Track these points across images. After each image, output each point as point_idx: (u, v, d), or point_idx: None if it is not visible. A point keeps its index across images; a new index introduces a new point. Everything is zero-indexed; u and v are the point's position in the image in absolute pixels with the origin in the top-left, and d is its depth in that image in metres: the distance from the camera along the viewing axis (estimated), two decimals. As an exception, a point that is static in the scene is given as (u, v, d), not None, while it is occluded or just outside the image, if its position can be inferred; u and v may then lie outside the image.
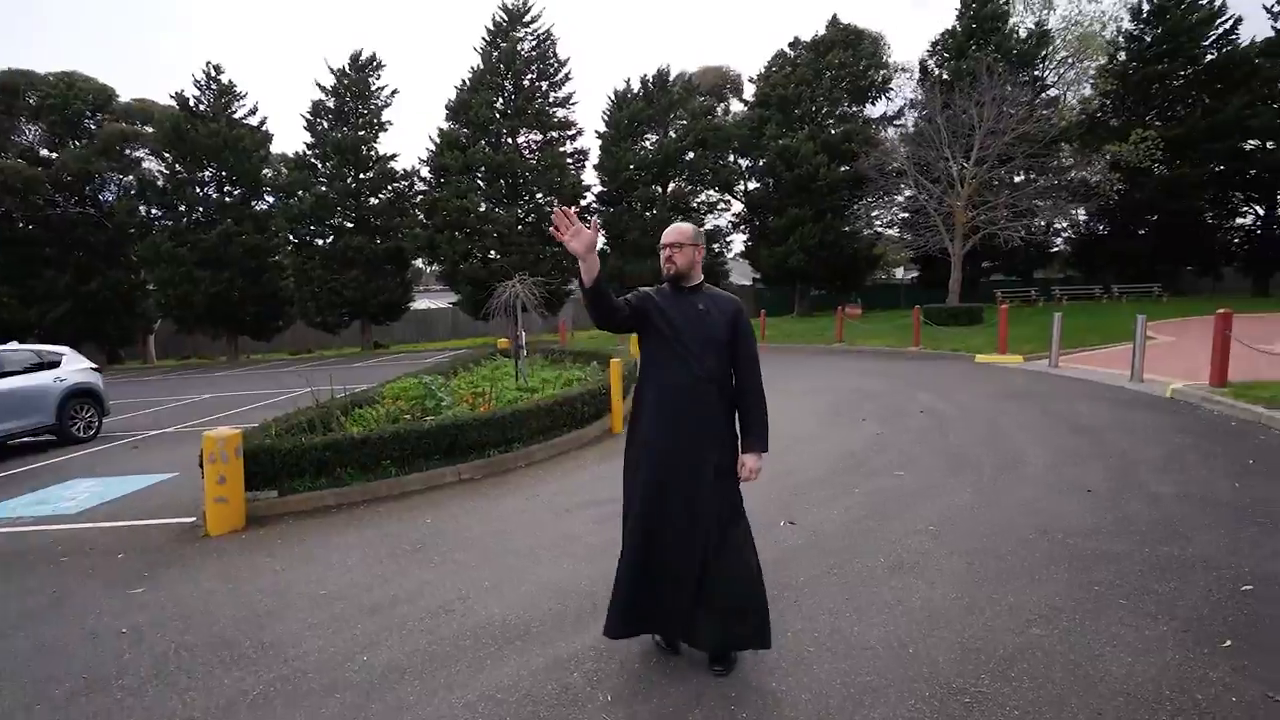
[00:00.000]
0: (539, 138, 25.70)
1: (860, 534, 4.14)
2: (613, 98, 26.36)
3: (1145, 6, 28.40)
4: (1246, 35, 27.59)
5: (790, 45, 28.04)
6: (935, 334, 16.76)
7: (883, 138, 26.49)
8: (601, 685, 2.64)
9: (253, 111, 26.64)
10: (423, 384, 7.87)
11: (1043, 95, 25.68)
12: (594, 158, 26.56)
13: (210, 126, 24.62)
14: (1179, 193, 26.89)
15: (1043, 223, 27.55)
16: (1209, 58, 27.26)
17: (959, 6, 26.83)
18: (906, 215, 28.32)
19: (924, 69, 28.39)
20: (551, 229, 2.46)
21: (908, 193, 26.08)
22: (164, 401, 13.87)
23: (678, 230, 2.69)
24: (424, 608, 3.42)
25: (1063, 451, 5.85)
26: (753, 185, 29.47)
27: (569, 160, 25.81)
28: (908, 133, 25.88)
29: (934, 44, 28.03)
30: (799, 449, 6.48)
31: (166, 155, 25.35)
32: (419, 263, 29.70)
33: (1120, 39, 28.55)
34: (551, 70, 25.45)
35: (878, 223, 30.20)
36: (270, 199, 27.06)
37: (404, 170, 26.11)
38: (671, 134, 26.19)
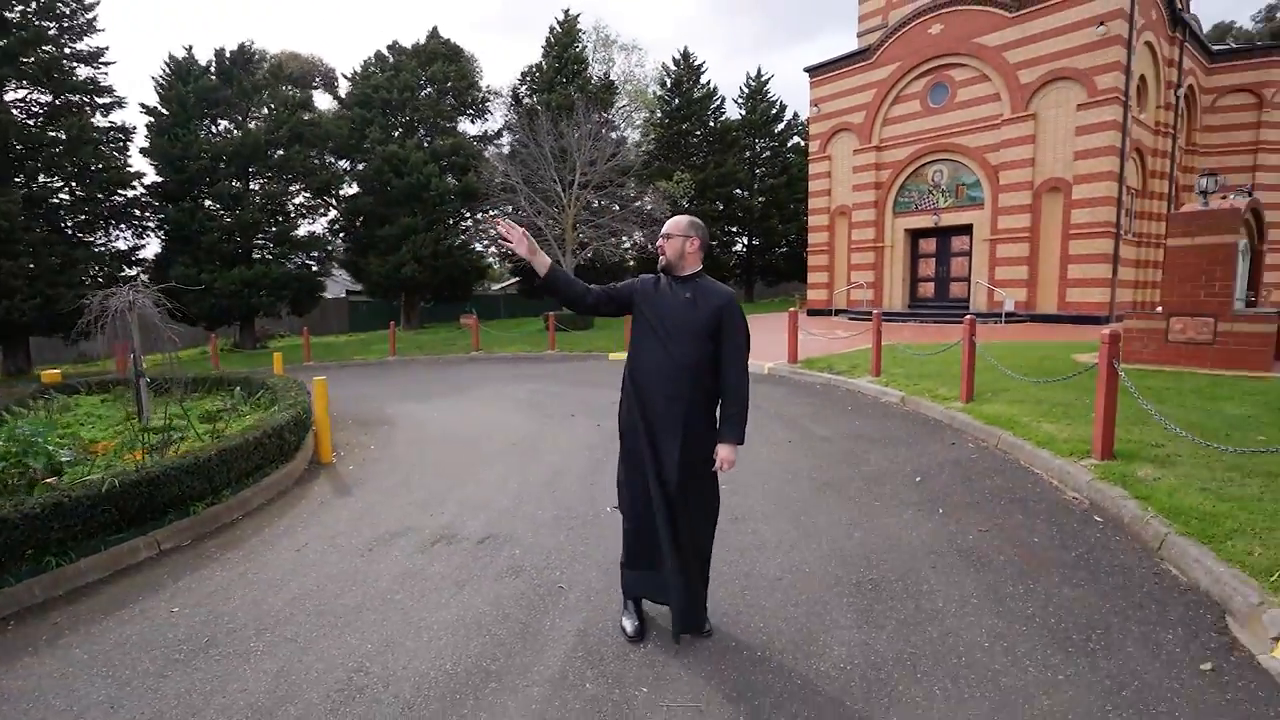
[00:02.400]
0: (49, 99, 18.84)
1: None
2: (170, 65, 21.00)
3: (668, 80, 36.68)
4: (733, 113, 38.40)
5: (389, 48, 27.01)
6: (562, 338, 18.60)
7: (487, 155, 27.79)
8: (625, 679, 2.60)
9: None
10: (11, 436, 5.34)
11: (613, 135, 30.79)
12: (147, 141, 20.78)
13: None
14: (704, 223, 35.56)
15: (618, 241, 32.98)
16: (712, 124, 36.78)
17: (544, 45, 30.03)
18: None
19: (516, 96, 30.83)
20: (503, 242, 2.78)
21: (509, 209, 28.02)
22: None
23: (672, 222, 2.87)
24: (316, 699, 2.64)
25: (747, 417, 7.53)
26: (353, 190, 27.37)
27: (102, 137, 19.62)
28: (504, 154, 27.80)
29: (524, 74, 30.71)
30: (545, 447, 6.72)
31: None
32: None
33: (658, 100, 36.15)
34: (65, 10, 18.86)
35: (486, 237, 31.51)
36: None
37: None
38: (254, 124, 22.37)
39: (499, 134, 30.66)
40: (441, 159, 25.66)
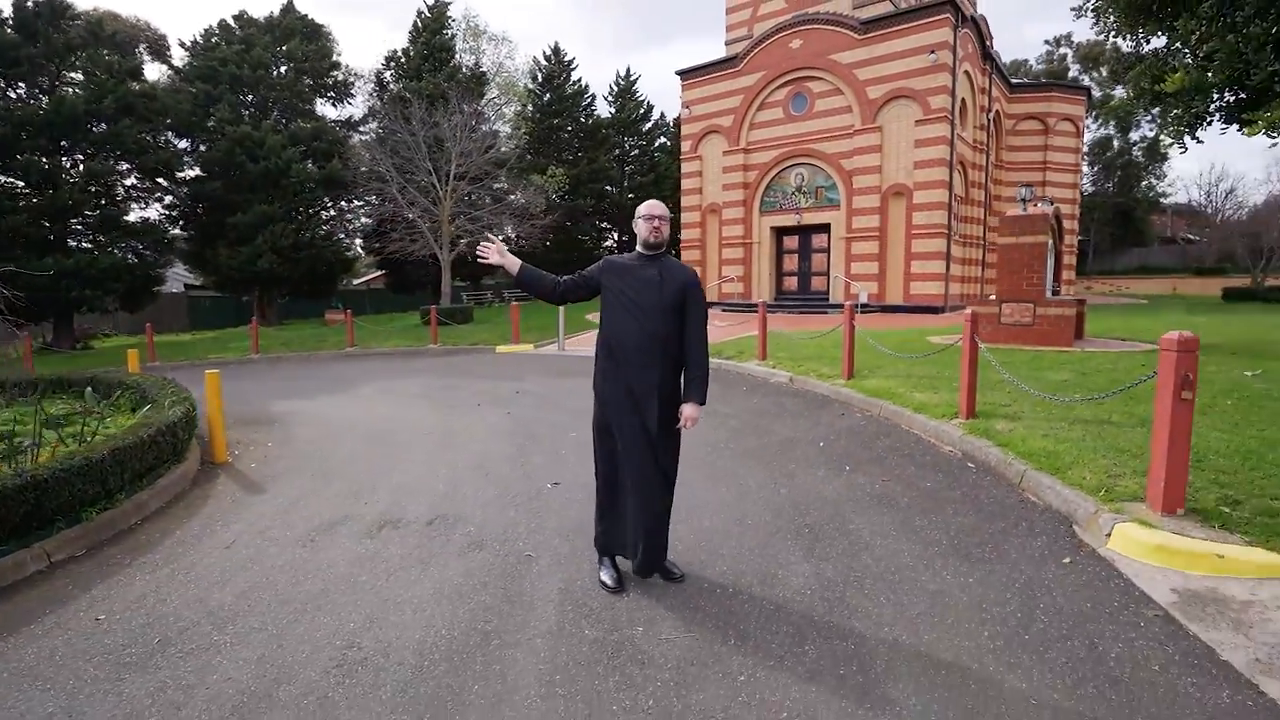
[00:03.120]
0: None
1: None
2: (-51, 15, 17.61)
3: (539, 75, 36.47)
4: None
5: (236, 19, 24.47)
6: (443, 332, 18.08)
7: (353, 143, 26.12)
8: (619, 623, 2.86)
9: None
10: None
11: (484, 127, 30.09)
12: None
13: None
14: (576, 219, 35.88)
15: (493, 235, 32.37)
16: (583, 120, 37.05)
17: (411, 31, 28.68)
18: (369, 222, 28.76)
19: (380, 81, 29.20)
20: (480, 259, 3.19)
21: (378, 200, 26.54)
22: None
23: (657, 205, 3.12)
24: (315, 675, 2.64)
25: (656, 400, 7.94)
26: (195, 172, 24.55)
27: None
28: (371, 141, 26.28)
29: (388, 59, 29.14)
30: (461, 436, 6.67)
31: None
32: None
33: (530, 95, 35.81)
34: None
35: (351, 226, 29.62)
36: None
37: None
38: (69, 91, 19.37)
39: (364, 120, 28.88)
40: (302, 144, 23.77)
